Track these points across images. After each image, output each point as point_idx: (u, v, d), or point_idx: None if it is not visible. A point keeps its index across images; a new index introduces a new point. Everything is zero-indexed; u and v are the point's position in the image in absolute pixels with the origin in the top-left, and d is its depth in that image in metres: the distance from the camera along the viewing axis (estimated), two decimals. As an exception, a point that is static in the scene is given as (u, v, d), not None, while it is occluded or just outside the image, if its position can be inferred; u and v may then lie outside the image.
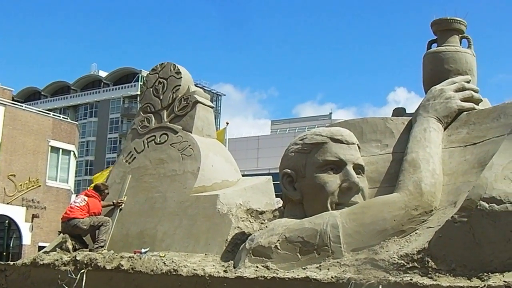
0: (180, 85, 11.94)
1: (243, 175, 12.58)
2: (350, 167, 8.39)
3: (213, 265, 8.79)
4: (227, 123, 28.23)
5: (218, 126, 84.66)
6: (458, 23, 10.17)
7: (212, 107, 12.28)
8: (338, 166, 8.42)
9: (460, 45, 10.17)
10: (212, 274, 8.20)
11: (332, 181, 8.36)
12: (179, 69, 12.13)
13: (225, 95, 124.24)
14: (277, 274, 7.60)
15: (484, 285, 6.34)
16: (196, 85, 12.85)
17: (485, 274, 6.51)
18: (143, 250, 10.02)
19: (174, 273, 8.56)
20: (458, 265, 6.76)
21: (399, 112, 10.33)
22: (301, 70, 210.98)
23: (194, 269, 8.46)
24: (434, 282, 6.64)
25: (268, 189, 11.63)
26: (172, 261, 8.93)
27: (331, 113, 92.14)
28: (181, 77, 12.03)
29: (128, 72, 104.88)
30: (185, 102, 11.78)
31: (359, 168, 8.55)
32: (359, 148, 8.78)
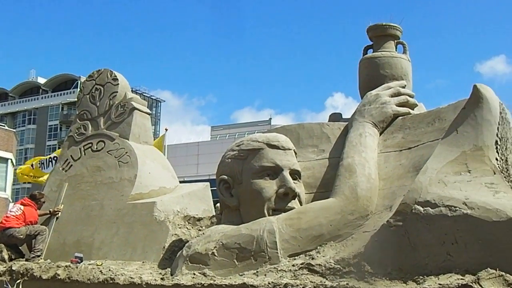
0: (117, 92, 11.80)
1: (183, 182, 12.50)
2: (286, 173, 8.38)
3: (150, 273, 8.68)
4: (166, 130, 27.93)
5: (158, 132, 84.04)
6: (393, 29, 10.28)
7: (149, 114, 12.16)
8: (274, 172, 8.40)
9: (396, 50, 10.27)
10: (149, 282, 8.12)
11: (269, 187, 8.33)
12: (116, 76, 11.98)
13: (164, 101, 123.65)
14: (214, 281, 7.56)
15: (419, 288, 6.40)
16: (135, 91, 12.78)
17: (421, 277, 6.58)
18: (76, 255, 9.87)
19: (111, 281, 8.44)
20: (394, 268, 6.80)
21: (335, 117, 10.37)
22: (239, 77, 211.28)
23: (131, 277, 8.35)
24: (370, 286, 6.69)
25: (206, 195, 11.56)
26: (109, 270, 8.80)
27: (270, 118, 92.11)
28: (118, 84, 11.88)
29: (67, 79, 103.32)
30: (122, 109, 11.63)
31: (295, 174, 8.54)
32: (295, 153, 8.77)
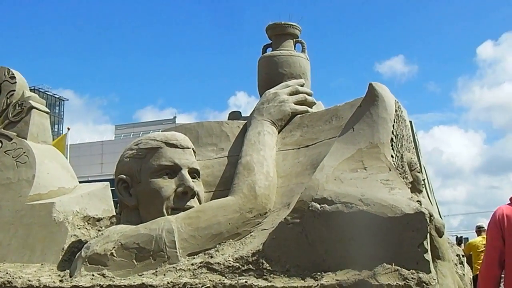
0: (14, 90, 11.40)
1: (87, 181, 12.24)
2: (185, 172, 8.31)
3: (49, 275, 8.43)
4: (69, 129, 27.54)
5: (61, 131, 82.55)
6: (292, 28, 10.35)
7: (47, 113, 11.81)
8: (173, 170, 8.31)
9: (295, 49, 10.36)
10: (47, 285, 7.88)
11: (167, 186, 8.24)
12: (13, 74, 11.59)
13: (68, 99, 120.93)
14: (113, 281, 7.41)
15: (317, 285, 6.45)
16: (37, 90, 12.42)
17: (319, 273, 6.60)
18: None
19: (9, 285, 8.14)
20: (292, 265, 6.82)
21: (235, 115, 10.36)
22: (141, 76, 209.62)
23: (29, 280, 8.10)
24: (269, 284, 6.68)
25: (106, 195, 11.33)
26: (6, 273, 8.49)
27: (175, 117, 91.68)
28: (16, 82, 11.48)
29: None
30: (19, 108, 11.25)
31: (194, 173, 8.47)
32: (194, 152, 8.71)
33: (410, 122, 8.79)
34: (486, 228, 6.68)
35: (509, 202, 5.83)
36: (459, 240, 22.60)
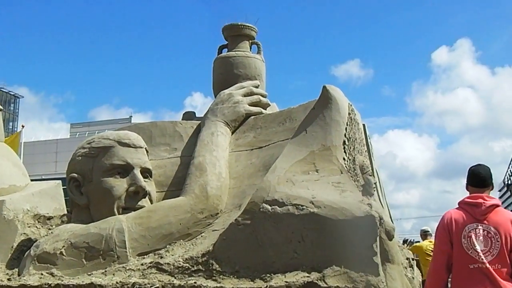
0: (-33, 87, 11.26)
1: (40, 179, 12.06)
2: (137, 171, 8.24)
3: (-3, 274, 8.32)
4: (23, 126, 27.21)
5: (16, 128, 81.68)
6: (248, 29, 10.34)
7: (0, 110, 11.66)
8: (125, 170, 8.24)
9: (250, 50, 10.35)
10: (-5, 283, 7.77)
11: (119, 185, 8.16)
12: (-34, 71, 11.44)
13: (23, 97, 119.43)
14: (62, 281, 7.31)
15: (266, 286, 6.43)
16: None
17: (268, 275, 6.60)
18: None
19: (-44, 283, 8.01)
20: (242, 267, 6.80)
21: (189, 115, 10.32)
22: (97, 74, 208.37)
23: (-23, 279, 7.97)
24: (218, 285, 6.66)
25: (58, 193, 11.18)
26: (-46, 271, 8.36)
27: (131, 116, 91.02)
28: (-32, 79, 11.33)
29: None
30: (-28, 105, 11.11)
31: (146, 172, 8.41)
32: (147, 152, 8.65)
33: (363, 125, 8.83)
34: (431, 232, 6.76)
35: (457, 206, 5.90)
36: (406, 242, 22.75)
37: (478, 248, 5.53)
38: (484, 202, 5.70)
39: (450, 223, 5.70)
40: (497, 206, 5.81)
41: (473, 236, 5.58)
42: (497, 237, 5.56)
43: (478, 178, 5.93)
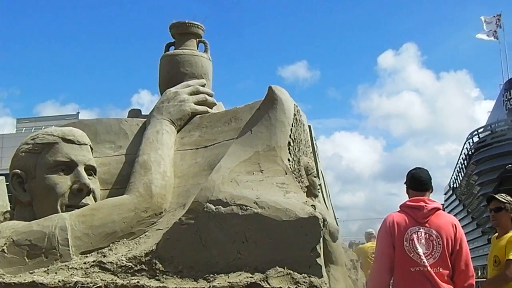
0: None
1: (-15, 175, 11.82)
2: (81, 168, 8.16)
3: None
4: (-33, 121, 26.75)
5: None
6: (195, 27, 10.30)
7: None
8: (69, 167, 8.14)
9: (197, 49, 10.31)
10: None
11: (63, 182, 8.06)
12: None
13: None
14: (3, 279, 7.18)
15: (209, 286, 6.43)
16: None
17: (211, 275, 6.59)
18: None
19: None
20: (185, 266, 6.79)
21: (135, 113, 10.24)
22: (43, 69, 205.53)
23: None
24: (161, 284, 6.64)
25: (1, 190, 11.03)
26: None
27: (78, 112, 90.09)
28: None
29: None
30: None
31: (90, 170, 8.33)
32: (91, 149, 8.57)
33: (309, 126, 8.89)
34: (376, 234, 6.82)
35: (399, 209, 5.97)
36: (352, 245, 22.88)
37: (420, 251, 5.59)
38: (425, 206, 5.77)
39: (392, 226, 5.75)
40: (438, 209, 5.88)
41: (415, 239, 5.64)
42: (438, 240, 5.63)
43: (419, 182, 6.00)
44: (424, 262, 5.58)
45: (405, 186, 6.25)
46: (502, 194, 7.38)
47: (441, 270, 5.60)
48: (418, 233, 5.68)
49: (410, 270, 5.59)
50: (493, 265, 7.08)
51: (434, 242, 5.63)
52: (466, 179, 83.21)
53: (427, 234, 5.67)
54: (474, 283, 5.84)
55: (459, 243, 5.72)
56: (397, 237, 5.70)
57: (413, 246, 5.63)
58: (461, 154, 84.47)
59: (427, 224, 5.72)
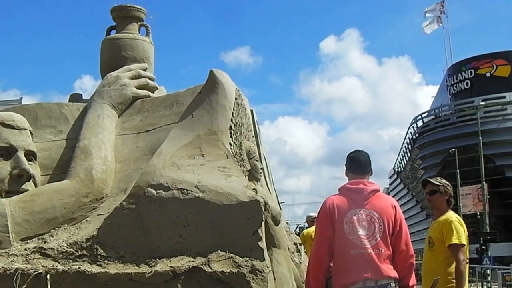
0: None
1: None
2: (21, 154, 8.02)
3: None
4: None
5: None
6: (137, 11, 10.22)
7: None
8: (8, 152, 8.00)
9: (139, 33, 10.22)
10: None
11: (2, 168, 7.91)
12: None
13: None
14: None
15: (151, 271, 6.42)
16: None
17: (153, 260, 6.58)
18: None
19: None
20: (126, 252, 6.76)
21: (75, 98, 10.13)
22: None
23: None
24: (103, 270, 6.60)
25: None
26: None
27: (21, 98, 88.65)
28: None
29: None
30: None
31: (30, 155, 8.20)
32: (31, 134, 8.43)
33: (251, 110, 8.90)
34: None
35: (338, 192, 5.99)
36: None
37: (361, 233, 5.61)
38: (365, 188, 5.80)
39: (332, 209, 5.75)
40: (378, 191, 5.92)
41: (355, 221, 5.65)
42: (380, 221, 5.67)
43: (358, 165, 6.02)
44: (364, 244, 5.61)
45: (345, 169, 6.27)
46: (437, 178, 7.50)
47: (382, 251, 5.64)
48: (359, 215, 5.70)
49: (350, 252, 5.61)
50: (427, 246, 7.22)
51: (375, 223, 5.66)
52: (410, 163, 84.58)
53: (368, 216, 5.70)
54: (414, 263, 5.91)
55: (399, 224, 5.77)
56: (337, 219, 5.71)
57: (354, 228, 5.65)
58: (405, 138, 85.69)
59: (367, 206, 5.74)
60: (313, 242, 6.24)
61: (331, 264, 5.90)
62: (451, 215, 7.14)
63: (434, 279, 6.51)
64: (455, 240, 6.87)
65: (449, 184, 7.39)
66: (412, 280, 5.82)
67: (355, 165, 6.06)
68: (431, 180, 7.37)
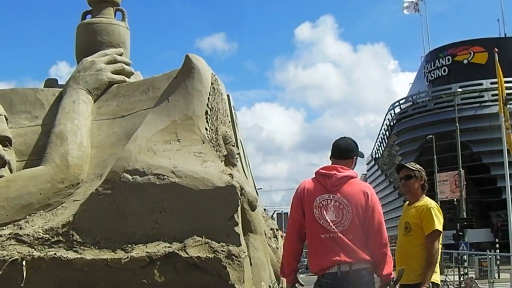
0: None
1: None
2: None
3: None
4: None
5: None
6: (113, -5, 10.14)
7: None
8: (-17, 138, 7.96)
9: (115, 17, 10.14)
10: None
11: (-23, 154, 7.87)
12: None
13: None
14: None
15: (127, 257, 6.42)
16: None
17: (129, 245, 6.58)
18: None
19: None
20: (102, 237, 6.74)
21: (51, 83, 10.04)
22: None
23: None
24: (79, 256, 6.58)
25: None
26: None
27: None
28: None
29: None
30: None
31: (6, 141, 8.12)
32: (6, 119, 8.36)
33: (228, 95, 8.88)
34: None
35: (313, 176, 5.99)
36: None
37: (328, 218, 5.62)
38: (336, 174, 5.79)
39: (303, 193, 5.76)
40: (352, 177, 5.91)
41: (323, 207, 5.66)
42: (348, 208, 5.64)
43: (337, 150, 6.03)
44: (334, 229, 5.60)
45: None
46: (412, 163, 7.52)
47: (351, 237, 5.63)
48: (328, 201, 5.69)
49: (321, 237, 5.61)
50: (404, 231, 7.21)
51: (343, 210, 5.64)
52: (388, 150, 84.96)
53: (337, 202, 5.68)
54: (387, 251, 5.89)
55: (370, 211, 5.73)
56: (307, 204, 5.71)
57: (322, 213, 5.64)
58: (382, 125, 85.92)
59: (337, 192, 5.73)
60: (287, 225, 6.25)
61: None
62: (430, 201, 7.17)
63: (399, 270, 6.52)
64: (435, 227, 6.90)
65: (423, 169, 7.41)
66: (387, 269, 5.79)
67: (334, 150, 6.06)
68: (406, 165, 7.39)
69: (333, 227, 5.58)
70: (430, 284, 6.85)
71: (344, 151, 6.07)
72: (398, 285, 6.94)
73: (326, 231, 5.60)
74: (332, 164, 6.00)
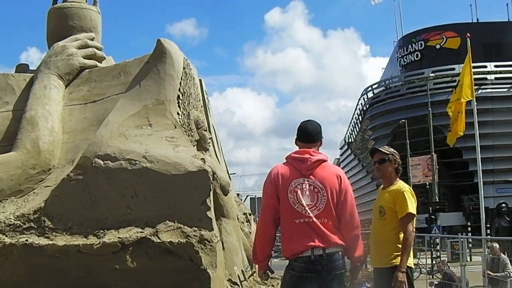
0: None
1: None
2: None
3: None
4: None
5: None
6: (83, -19, 10.04)
7: None
8: (-48, 124, 7.87)
9: (86, 2, 10.05)
10: None
11: None
12: None
13: None
14: None
15: (99, 242, 6.40)
16: None
17: (101, 231, 6.56)
18: None
19: None
20: (74, 223, 6.72)
21: (22, 68, 9.93)
22: None
23: None
24: (50, 242, 6.55)
25: None
26: None
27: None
28: None
29: None
30: None
31: (-24, 127, 8.07)
32: (-22, 106, 8.29)
33: (200, 80, 8.86)
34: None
35: (285, 161, 5.99)
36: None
37: (304, 202, 5.62)
38: (310, 158, 5.80)
39: (277, 178, 5.75)
40: (324, 161, 5.92)
41: (299, 191, 5.65)
42: (323, 191, 5.67)
43: (305, 133, 6.01)
44: (308, 213, 5.60)
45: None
46: (385, 146, 7.52)
47: (326, 221, 5.64)
48: (303, 185, 5.70)
49: (295, 222, 5.62)
50: (378, 214, 7.24)
51: (318, 194, 5.66)
52: (361, 134, 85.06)
53: (312, 186, 5.70)
54: (359, 234, 5.94)
55: (343, 194, 5.76)
56: (281, 188, 5.71)
57: (297, 197, 5.65)
58: (355, 109, 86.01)
59: (311, 176, 5.74)
60: (260, 210, 6.25)
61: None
62: (403, 185, 7.19)
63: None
64: (409, 210, 6.93)
65: (397, 152, 7.43)
66: (359, 251, 5.86)
67: (302, 134, 6.05)
68: (379, 148, 7.40)
69: (308, 211, 5.60)
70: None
71: (313, 134, 6.06)
72: (372, 268, 7.00)
73: (300, 216, 5.61)
74: (300, 148, 6.00)
